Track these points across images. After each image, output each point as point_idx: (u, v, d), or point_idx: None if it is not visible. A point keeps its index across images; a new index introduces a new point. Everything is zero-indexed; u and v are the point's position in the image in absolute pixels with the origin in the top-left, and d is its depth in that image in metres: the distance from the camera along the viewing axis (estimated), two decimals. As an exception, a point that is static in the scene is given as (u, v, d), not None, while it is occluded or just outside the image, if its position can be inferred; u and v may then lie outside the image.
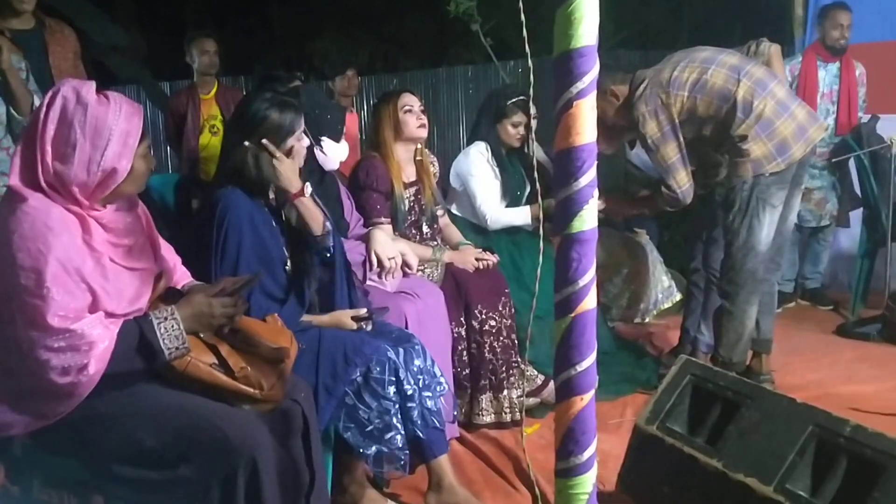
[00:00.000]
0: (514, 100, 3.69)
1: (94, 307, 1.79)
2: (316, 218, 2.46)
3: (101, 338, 1.74)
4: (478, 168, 3.67)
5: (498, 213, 3.68)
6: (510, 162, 3.79)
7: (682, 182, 3.29)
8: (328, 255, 2.49)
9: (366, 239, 2.97)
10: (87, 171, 1.78)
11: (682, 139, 3.25)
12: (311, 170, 2.87)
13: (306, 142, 2.47)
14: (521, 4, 1.63)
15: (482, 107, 3.88)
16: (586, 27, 1.49)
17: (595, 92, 1.54)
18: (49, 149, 1.78)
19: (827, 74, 4.68)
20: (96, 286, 1.79)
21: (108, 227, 1.87)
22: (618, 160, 5.59)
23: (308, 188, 2.45)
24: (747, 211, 3.25)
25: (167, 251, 2.15)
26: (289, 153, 2.41)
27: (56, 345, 1.70)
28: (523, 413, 3.05)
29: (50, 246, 1.71)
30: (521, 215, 3.72)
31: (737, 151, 3.24)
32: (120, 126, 1.80)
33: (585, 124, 1.53)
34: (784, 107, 3.23)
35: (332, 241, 2.49)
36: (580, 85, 1.51)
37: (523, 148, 3.82)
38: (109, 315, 1.82)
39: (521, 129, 3.71)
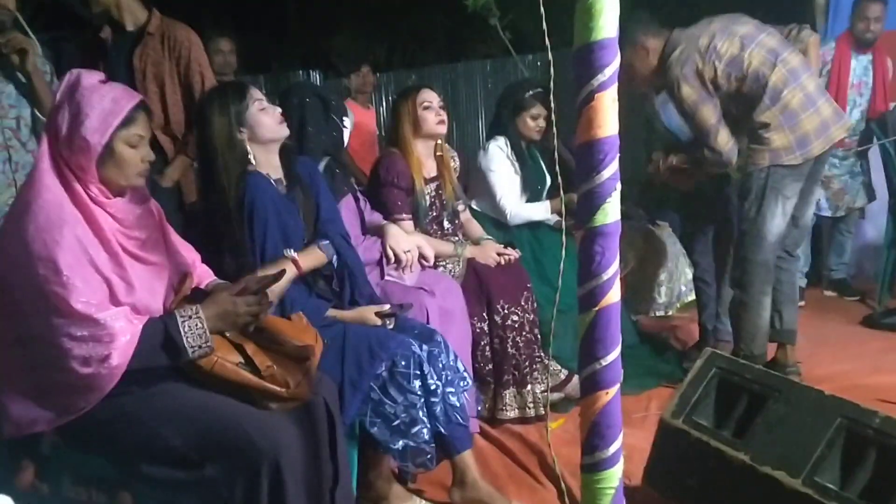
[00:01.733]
0: (532, 92, 3.68)
1: (115, 301, 1.82)
2: (319, 259, 2.49)
3: (124, 331, 1.77)
4: (497, 163, 3.66)
5: (518, 207, 3.67)
6: (530, 155, 3.78)
7: (725, 142, 3.23)
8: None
9: (381, 234, 2.98)
10: (70, 145, 1.84)
11: (718, 100, 3.21)
12: (338, 158, 2.95)
13: (271, 109, 2.47)
14: (541, -3, 1.62)
15: (500, 100, 3.87)
16: (606, 19, 1.49)
17: (616, 84, 1.53)
18: (52, 129, 1.87)
19: (858, 65, 4.61)
20: (111, 276, 1.82)
21: (118, 217, 1.90)
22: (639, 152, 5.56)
23: (291, 254, 2.44)
24: (762, 199, 3.22)
25: (185, 249, 2.17)
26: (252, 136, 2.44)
27: (78, 333, 1.74)
28: (548, 408, 3.05)
29: (64, 237, 1.76)
30: (541, 210, 3.71)
31: (757, 138, 3.21)
32: (103, 105, 1.85)
33: (607, 117, 1.52)
34: (811, 100, 3.20)
35: (332, 253, 2.54)
36: (601, 77, 1.50)
37: (542, 141, 3.81)
38: (136, 311, 1.85)
39: (541, 122, 3.70)
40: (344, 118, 2.99)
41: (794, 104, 3.16)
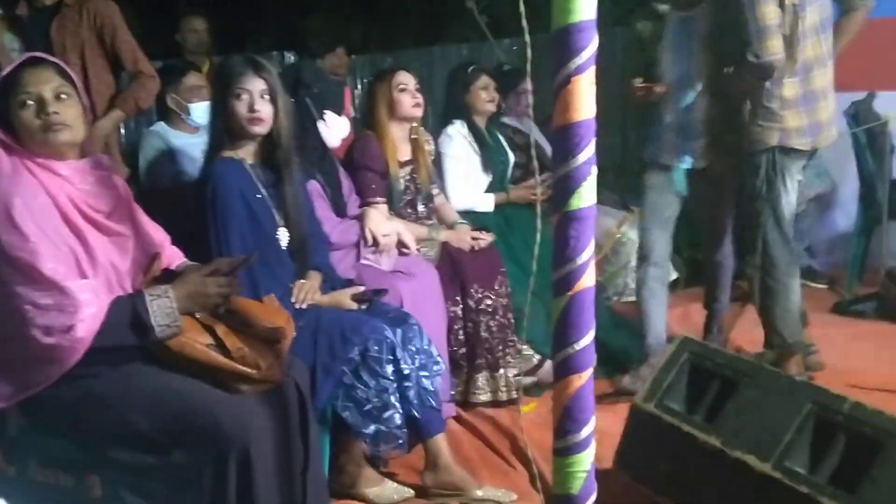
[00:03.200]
0: (472, 67, 3.77)
1: (81, 273, 1.80)
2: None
3: (89, 303, 1.76)
4: (455, 149, 3.66)
5: (462, 196, 3.64)
6: (490, 135, 3.79)
7: (775, 48, 2.92)
8: None
9: (360, 217, 2.96)
10: None
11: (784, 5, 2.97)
12: (314, 147, 2.87)
13: (246, 99, 2.39)
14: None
15: (449, 85, 3.90)
16: (584, 1, 1.47)
17: (593, 68, 1.52)
18: None
19: None
20: (74, 246, 1.81)
21: (73, 180, 1.88)
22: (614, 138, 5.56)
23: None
24: (773, 179, 3.11)
25: (154, 229, 2.14)
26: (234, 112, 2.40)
27: (43, 301, 1.73)
28: (521, 391, 3.05)
29: (26, 204, 1.76)
30: (484, 202, 3.72)
31: (769, 115, 3.08)
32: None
33: (584, 100, 1.51)
34: (827, 91, 3.12)
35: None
36: (578, 61, 1.49)
37: (499, 117, 3.92)
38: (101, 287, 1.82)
39: (492, 92, 3.75)
40: (326, 112, 2.91)
41: (817, 86, 3.07)
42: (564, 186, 1.55)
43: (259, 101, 2.39)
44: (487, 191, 3.77)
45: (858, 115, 4.51)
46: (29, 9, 3.27)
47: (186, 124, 3.39)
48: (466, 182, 3.67)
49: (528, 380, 3.34)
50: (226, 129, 2.42)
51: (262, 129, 2.41)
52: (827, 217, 5.17)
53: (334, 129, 2.93)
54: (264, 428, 1.87)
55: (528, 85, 3.64)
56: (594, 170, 1.56)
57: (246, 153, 2.44)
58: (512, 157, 3.88)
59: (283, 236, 2.45)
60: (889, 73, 4.80)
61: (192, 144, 3.15)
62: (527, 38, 1.61)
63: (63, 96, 1.90)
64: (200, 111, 3.20)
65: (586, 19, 1.48)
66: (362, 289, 2.55)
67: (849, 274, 4.68)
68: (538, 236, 1.95)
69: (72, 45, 3.21)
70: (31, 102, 1.86)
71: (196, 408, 1.80)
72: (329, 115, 2.90)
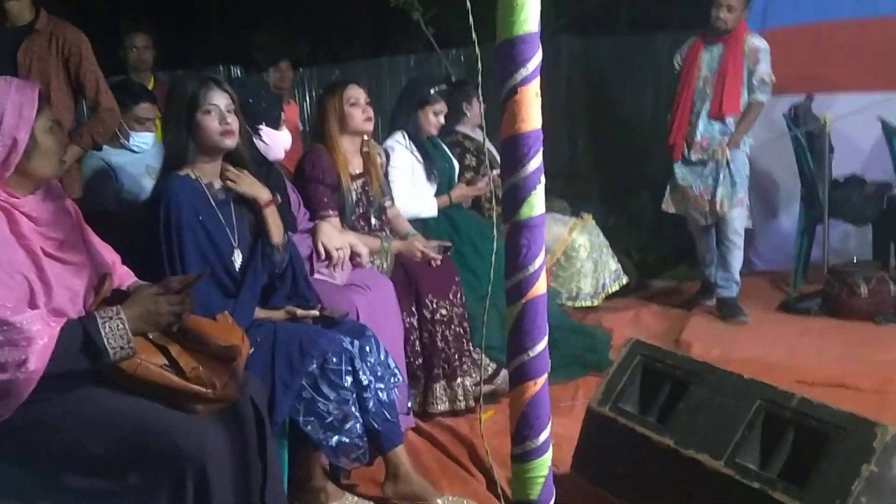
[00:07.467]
0: (437, 88, 3.75)
1: (32, 302, 1.76)
2: (278, 227, 2.47)
3: (41, 334, 1.72)
4: (397, 159, 3.67)
5: (407, 205, 3.64)
6: (434, 145, 3.83)
7: None
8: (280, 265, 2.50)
9: (312, 231, 2.95)
10: None
11: None
12: (257, 161, 2.81)
13: (216, 115, 2.36)
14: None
15: (404, 93, 3.93)
16: (529, 13, 1.50)
17: (538, 79, 1.55)
18: None
19: (711, 58, 4.31)
20: (29, 276, 1.77)
21: (34, 216, 1.85)
22: (562, 145, 5.61)
23: (277, 198, 2.49)
24: None
25: (105, 249, 2.12)
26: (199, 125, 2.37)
27: None
28: (481, 399, 3.07)
29: None
30: (427, 207, 3.74)
31: None
32: (12, 98, 1.81)
33: (530, 111, 1.53)
34: None
35: (286, 253, 2.50)
36: (524, 72, 1.51)
37: (451, 126, 4.00)
38: (54, 313, 1.79)
39: (441, 119, 3.80)
40: (260, 126, 2.87)
41: None
42: (514, 196, 1.57)
43: (228, 115, 2.38)
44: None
45: (797, 118, 4.63)
46: None
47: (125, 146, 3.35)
48: (412, 191, 3.69)
49: (486, 388, 3.36)
50: (194, 146, 2.38)
51: (233, 142, 2.41)
52: (770, 218, 5.28)
53: (273, 142, 2.90)
54: (221, 447, 1.85)
55: (478, 98, 3.70)
56: (543, 178, 1.59)
57: (202, 172, 2.41)
58: (456, 164, 3.93)
59: (238, 258, 2.43)
60: (825, 76, 4.94)
61: (132, 162, 3.12)
62: (478, 50, 1.62)
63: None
64: (141, 140, 3.17)
65: (530, 31, 1.51)
66: (314, 311, 2.53)
67: (793, 272, 4.79)
68: (496, 244, 1.97)
69: (38, 70, 3.18)
70: (54, 131, 1.87)
71: (151, 429, 1.78)
72: (264, 129, 2.87)
